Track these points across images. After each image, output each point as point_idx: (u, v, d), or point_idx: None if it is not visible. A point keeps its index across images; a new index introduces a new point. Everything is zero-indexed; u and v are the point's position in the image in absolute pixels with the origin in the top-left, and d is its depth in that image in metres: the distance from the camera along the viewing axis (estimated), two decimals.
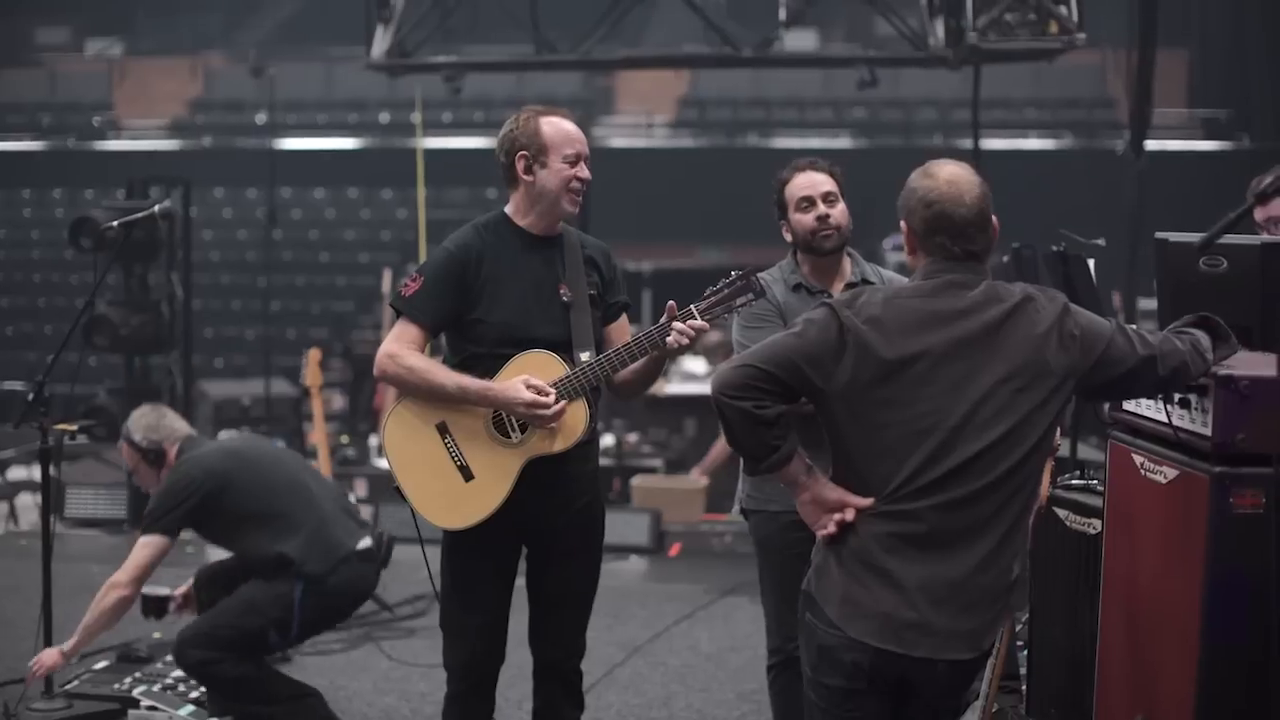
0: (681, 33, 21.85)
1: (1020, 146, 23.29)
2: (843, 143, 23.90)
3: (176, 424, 6.73)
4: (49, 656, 6.40)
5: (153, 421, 6.67)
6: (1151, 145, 15.42)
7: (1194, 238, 4.83)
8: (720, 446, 13.03)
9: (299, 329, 21.84)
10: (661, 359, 5.10)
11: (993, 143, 20.51)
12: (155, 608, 6.84)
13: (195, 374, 14.79)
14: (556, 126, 5.15)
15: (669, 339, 4.94)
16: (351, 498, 9.62)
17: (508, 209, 5.24)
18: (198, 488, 6.32)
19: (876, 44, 22.24)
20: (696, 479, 12.60)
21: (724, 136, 25.51)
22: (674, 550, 11.32)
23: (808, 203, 5.49)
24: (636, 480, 12.38)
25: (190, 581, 6.87)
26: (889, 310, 3.96)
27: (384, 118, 25.80)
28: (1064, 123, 24.80)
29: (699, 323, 4.94)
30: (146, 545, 6.28)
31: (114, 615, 6.36)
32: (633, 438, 13.85)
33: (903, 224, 4.08)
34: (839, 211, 5.49)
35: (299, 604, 6.27)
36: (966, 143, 22.21)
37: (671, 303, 4.98)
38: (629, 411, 14.06)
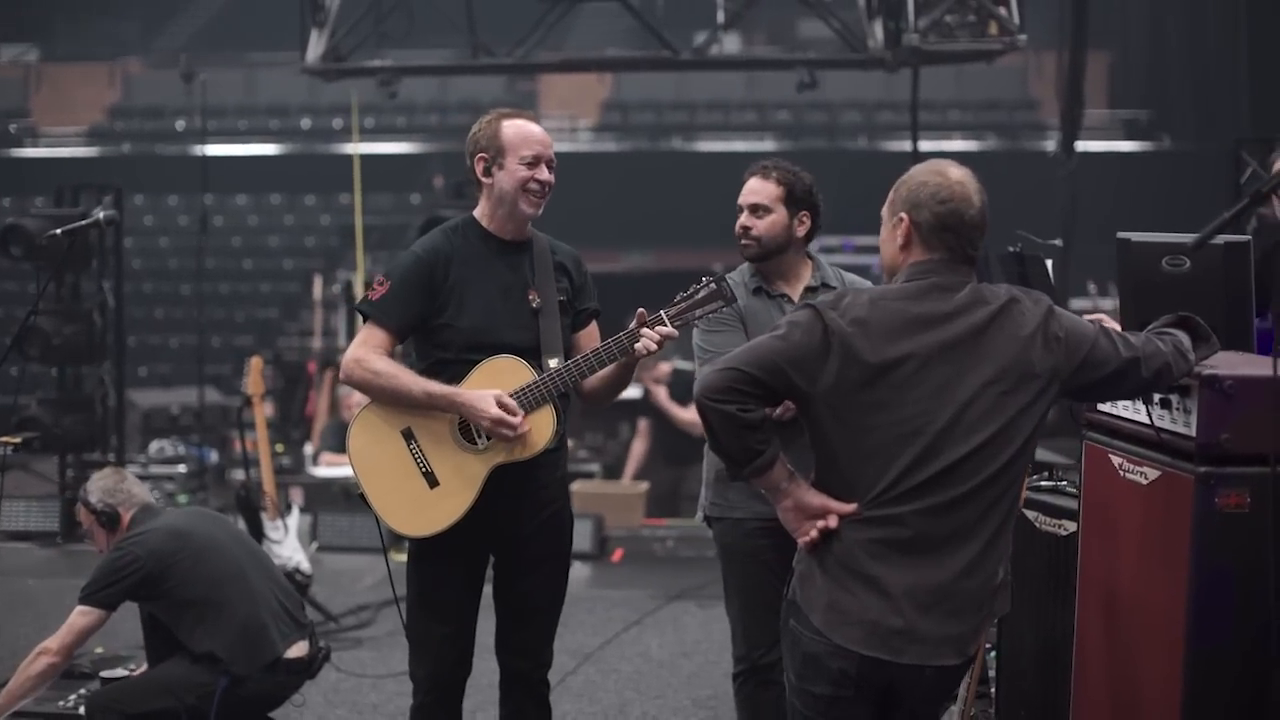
0: (604, 36, 21.87)
1: (944, 148, 23.33)
2: (767, 145, 23.92)
3: (135, 489, 6.55)
4: None
5: (110, 485, 6.48)
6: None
7: (1157, 237, 4.83)
8: (638, 450, 13.00)
9: (224, 337, 21.70)
10: (631, 365, 5.05)
11: (919, 145, 20.56)
12: None
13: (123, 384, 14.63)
14: (517, 128, 5.11)
15: (638, 345, 4.90)
16: (295, 508, 9.52)
17: (476, 213, 5.19)
18: (139, 568, 6.16)
19: (800, 46, 22.25)
20: (631, 484, 12.62)
21: (647, 140, 25.52)
22: (617, 556, 11.25)
23: (740, 209, 5.54)
24: (576, 485, 12.30)
25: (145, 667, 6.67)
26: (874, 312, 3.92)
27: (306, 123, 25.66)
28: (987, 125, 24.95)
29: (668, 329, 4.92)
30: (83, 615, 6.17)
31: (41, 681, 6.24)
32: (569, 443, 13.79)
33: (903, 216, 4.02)
34: (764, 224, 5.50)
35: (219, 698, 6.13)
36: (891, 145, 22.42)
37: (641, 310, 4.94)
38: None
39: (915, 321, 3.90)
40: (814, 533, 3.96)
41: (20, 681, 6.16)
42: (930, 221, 3.98)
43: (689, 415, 12.18)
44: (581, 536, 11.02)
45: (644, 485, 12.39)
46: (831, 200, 5.61)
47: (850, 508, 3.93)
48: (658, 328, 4.90)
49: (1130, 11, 23.22)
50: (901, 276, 4.03)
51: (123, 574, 6.15)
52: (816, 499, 3.99)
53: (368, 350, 5.03)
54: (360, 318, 5.18)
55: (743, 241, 5.51)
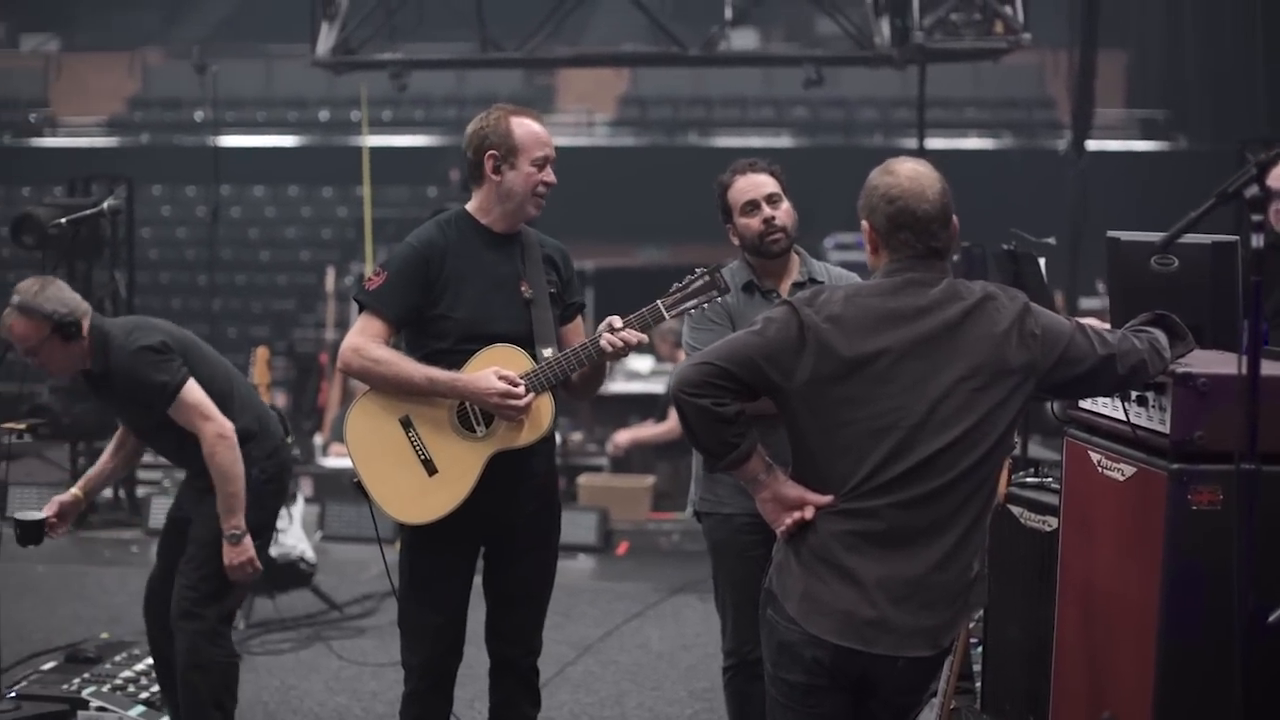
0: (622, 31, 21.92)
1: (960, 146, 23.40)
2: (784, 142, 23.98)
3: (76, 295, 5.93)
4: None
5: (56, 293, 5.80)
6: (1090, 145, 15.56)
7: (1146, 237, 4.87)
8: (655, 431, 13.02)
9: (239, 327, 21.78)
10: (601, 365, 5.20)
11: (933, 142, 20.51)
12: (33, 534, 5.99)
13: None
14: (528, 129, 5.15)
15: (601, 343, 5.00)
16: (300, 497, 9.61)
17: (470, 206, 5.24)
18: (171, 344, 5.83)
19: (817, 43, 22.30)
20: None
21: (665, 135, 25.55)
22: (622, 549, 11.31)
23: (752, 206, 5.48)
24: (583, 479, 12.39)
25: (61, 497, 6.07)
26: (850, 308, 3.98)
27: (324, 115, 25.73)
28: (1003, 123, 24.96)
29: (636, 335, 5.01)
30: (190, 391, 5.78)
31: (235, 462, 5.85)
32: (577, 436, 13.85)
33: (864, 223, 4.09)
34: (783, 212, 5.49)
35: (258, 488, 5.89)
36: (907, 142, 22.37)
37: (611, 317, 5.06)
38: (574, 410, 14.07)
39: (890, 317, 3.95)
40: (791, 523, 4.03)
41: (232, 478, 5.83)
42: (885, 223, 4.03)
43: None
44: (586, 529, 11.12)
45: (650, 479, 12.45)
46: (846, 197, 5.62)
47: (827, 499, 3.99)
48: (620, 333, 4.99)
49: (1147, 11, 23.22)
50: (879, 274, 4.09)
51: (168, 354, 5.81)
52: (794, 490, 4.05)
53: (366, 339, 5.07)
54: (357, 307, 5.24)
55: (771, 236, 5.46)
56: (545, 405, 5.07)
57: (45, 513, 6.00)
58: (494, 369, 4.98)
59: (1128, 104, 24.24)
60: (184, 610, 5.92)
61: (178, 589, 5.96)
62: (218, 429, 5.79)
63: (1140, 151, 22.95)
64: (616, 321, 5.00)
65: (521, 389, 4.96)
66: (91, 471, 6.23)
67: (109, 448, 6.25)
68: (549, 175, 5.15)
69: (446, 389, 5.02)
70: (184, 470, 6.15)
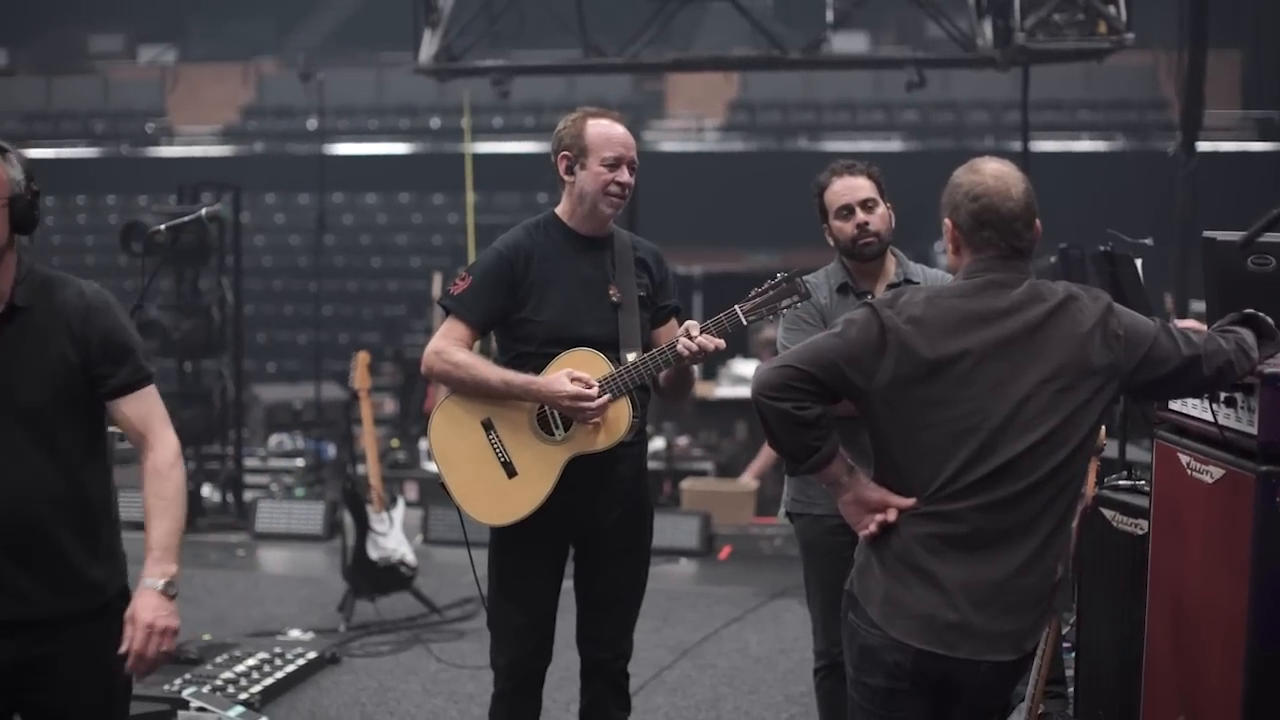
0: (731, 36, 21.90)
1: (1072, 148, 23.17)
2: (894, 145, 23.87)
3: None
4: None
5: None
6: (1204, 146, 15.30)
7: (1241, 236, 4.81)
8: (770, 450, 13.03)
9: (350, 334, 21.94)
10: (687, 369, 5.18)
11: (1044, 144, 20.42)
12: None
13: (247, 378, 14.87)
14: (600, 129, 5.17)
15: (678, 348, 4.99)
16: (401, 501, 9.66)
17: (558, 209, 5.28)
18: None
19: (926, 46, 22.15)
20: (747, 482, 12.62)
21: (774, 140, 25.48)
22: (724, 553, 11.31)
23: (847, 211, 5.47)
24: (686, 483, 12.40)
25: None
26: (930, 310, 3.95)
27: (435, 122, 25.87)
28: (1116, 124, 24.68)
29: (714, 341, 4.99)
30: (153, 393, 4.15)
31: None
32: (683, 441, 13.85)
33: (947, 222, 4.06)
34: (878, 217, 5.47)
35: None
36: (1018, 145, 22.24)
37: (690, 321, 5.06)
38: (679, 415, 14.08)
39: (971, 318, 3.92)
40: (873, 526, 4.01)
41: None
42: (968, 221, 3.99)
43: None
44: (689, 534, 11.13)
45: (754, 484, 12.42)
46: None
47: (909, 502, 3.96)
48: (695, 338, 4.97)
49: (1262, 9, 22.88)
50: (960, 275, 4.05)
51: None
52: (876, 493, 4.03)
53: (448, 343, 5.12)
54: (442, 312, 5.27)
55: (864, 241, 5.45)
56: (622, 411, 5.07)
57: None
58: (567, 370, 5.00)
59: (1243, 104, 23.89)
60: None
61: None
62: (176, 441, 4.28)
63: (1256, 152, 22.61)
64: (694, 328, 4.99)
65: (594, 391, 4.97)
66: None
67: None
68: (622, 175, 5.15)
69: (521, 392, 5.05)
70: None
